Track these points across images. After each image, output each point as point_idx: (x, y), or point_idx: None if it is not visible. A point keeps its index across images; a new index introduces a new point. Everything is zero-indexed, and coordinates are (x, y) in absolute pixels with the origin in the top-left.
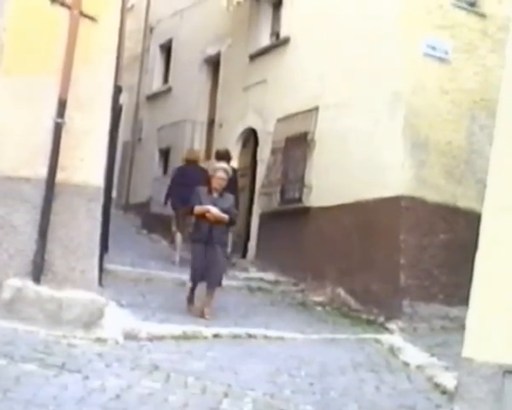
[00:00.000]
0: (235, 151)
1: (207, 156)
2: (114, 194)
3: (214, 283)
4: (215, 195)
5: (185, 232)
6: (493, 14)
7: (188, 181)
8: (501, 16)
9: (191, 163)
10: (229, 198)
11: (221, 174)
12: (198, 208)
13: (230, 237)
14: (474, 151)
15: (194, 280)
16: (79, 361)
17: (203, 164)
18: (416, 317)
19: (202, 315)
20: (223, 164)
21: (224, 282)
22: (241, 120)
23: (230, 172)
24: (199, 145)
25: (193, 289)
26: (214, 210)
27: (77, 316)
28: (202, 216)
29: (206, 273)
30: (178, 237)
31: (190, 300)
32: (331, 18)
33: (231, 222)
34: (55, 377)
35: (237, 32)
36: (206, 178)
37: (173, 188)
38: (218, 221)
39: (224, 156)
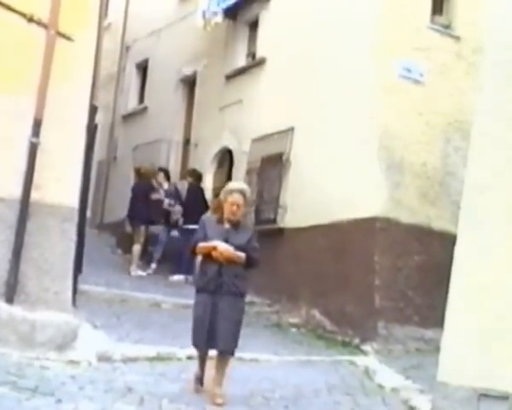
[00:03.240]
0: (210, 171)
1: (183, 176)
2: (89, 213)
3: (224, 350)
4: (227, 226)
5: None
6: (468, 36)
7: (137, 197)
8: (475, 39)
9: (141, 179)
10: (248, 230)
11: (236, 198)
12: (201, 246)
13: None
14: (448, 173)
15: (198, 346)
16: (52, 384)
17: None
18: (391, 339)
19: (213, 399)
20: (240, 183)
21: None
22: (217, 139)
23: (249, 193)
24: (174, 165)
25: (201, 363)
26: (222, 246)
27: (50, 338)
28: (209, 255)
29: (213, 336)
30: (135, 249)
31: (198, 378)
32: (307, 39)
33: (250, 262)
34: (27, 401)
35: (213, 52)
36: (146, 193)
37: (130, 205)
38: (229, 261)
39: (144, 175)
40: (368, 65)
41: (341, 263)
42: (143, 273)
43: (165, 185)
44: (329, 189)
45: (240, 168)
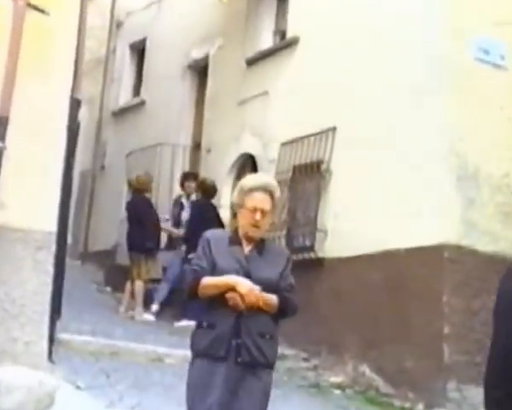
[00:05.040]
0: (227, 183)
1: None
2: (69, 239)
3: None
4: (247, 249)
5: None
6: None
7: (130, 217)
8: None
9: (137, 193)
10: (279, 255)
11: (259, 199)
12: (209, 284)
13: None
14: None
15: None
16: None
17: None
18: (466, 404)
19: None
20: (263, 176)
21: None
22: (236, 143)
23: (279, 193)
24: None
25: None
26: (246, 285)
27: (19, 403)
28: (221, 299)
29: None
30: (137, 286)
31: None
32: (352, 13)
33: (285, 309)
34: None
35: (231, 29)
36: (148, 212)
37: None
38: (254, 309)
39: (138, 188)
40: (434, 45)
41: (399, 304)
42: (152, 317)
43: (193, 196)
44: (382, 207)
45: None
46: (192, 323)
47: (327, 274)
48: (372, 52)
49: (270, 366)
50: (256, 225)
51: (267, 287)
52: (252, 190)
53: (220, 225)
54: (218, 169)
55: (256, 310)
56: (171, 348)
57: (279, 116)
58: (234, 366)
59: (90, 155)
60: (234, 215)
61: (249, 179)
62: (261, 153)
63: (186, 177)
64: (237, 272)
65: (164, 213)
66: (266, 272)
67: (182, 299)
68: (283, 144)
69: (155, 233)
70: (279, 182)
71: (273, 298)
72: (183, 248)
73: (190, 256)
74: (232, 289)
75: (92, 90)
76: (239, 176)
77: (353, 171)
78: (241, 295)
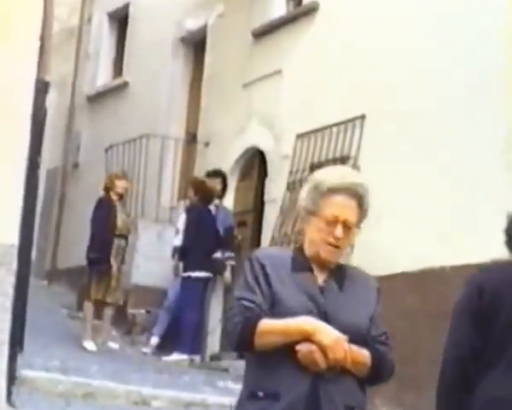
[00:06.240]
0: (229, 184)
1: (184, 191)
2: (34, 254)
3: None
4: (321, 278)
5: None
6: None
7: (95, 223)
8: None
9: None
10: (368, 285)
11: (342, 204)
12: (272, 327)
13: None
14: None
15: None
16: None
17: None
18: None
19: None
20: (347, 171)
21: (211, 398)
22: (240, 135)
23: (368, 198)
24: (171, 174)
25: None
26: (330, 333)
27: None
28: (289, 351)
29: None
30: (87, 307)
31: None
32: None
33: (377, 369)
34: None
35: None
36: (94, 215)
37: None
38: (341, 367)
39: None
40: (488, 7)
41: (442, 335)
42: (115, 345)
43: (216, 203)
44: (422, 215)
45: (277, 180)
46: (184, 357)
47: None
48: (410, 23)
49: None
50: (335, 245)
51: (354, 337)
52: (333, 190)
53: (218, 235)
54: (218, 166)
55: (340, 371)
56: (159, 389)
57: (294, 101)
58: None
59: (60, 150)
60: (239, 224)
61: (329, 174)
62: (272, 147)
63: (210, 176)
64: (310, 313)
65: (149, 220)
66: (352, 314)
67: (170, 328)
68: (299, 136)
69: (97, 242)
70: (293, 183)
71: (366, 354)
72: (180, 265)
73: (185, 274)
74: (307, 338)
75: (63, 69)
76: (244, 176)
77: (386, 169)
78: (323, 349)
